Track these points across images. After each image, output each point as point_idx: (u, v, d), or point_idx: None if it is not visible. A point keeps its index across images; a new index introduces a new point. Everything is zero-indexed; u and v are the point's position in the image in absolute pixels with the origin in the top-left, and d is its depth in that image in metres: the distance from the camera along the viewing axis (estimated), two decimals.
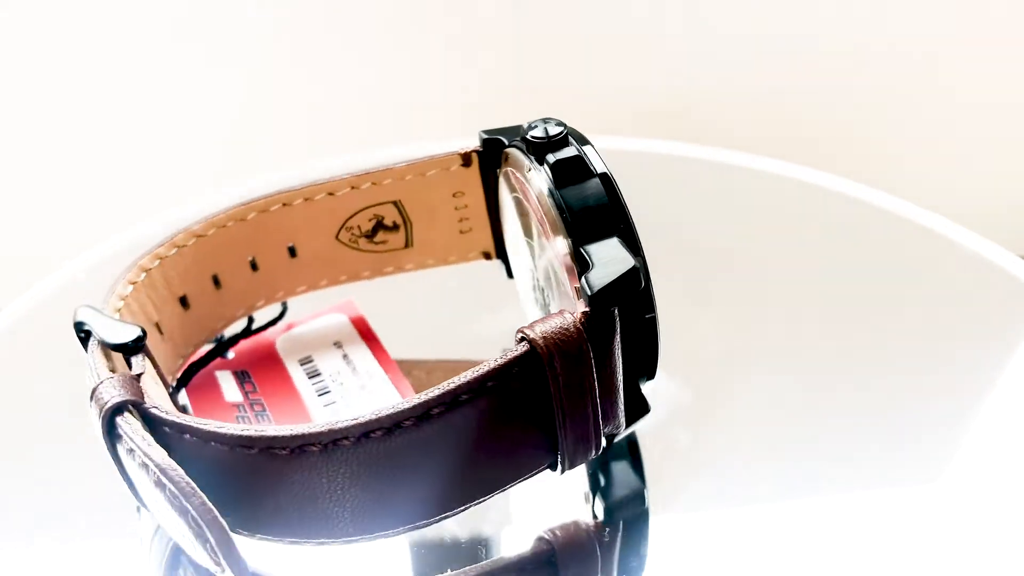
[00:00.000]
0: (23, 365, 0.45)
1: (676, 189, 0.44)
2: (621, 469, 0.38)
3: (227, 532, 0.28)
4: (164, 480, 0.28)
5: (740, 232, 0.50)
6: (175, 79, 0.74)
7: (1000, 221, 0.75)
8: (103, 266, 0.49)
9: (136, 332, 0.33)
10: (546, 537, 0.35)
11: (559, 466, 0.32)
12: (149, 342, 0.36)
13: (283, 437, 0.29)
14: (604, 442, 0.32)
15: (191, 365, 0.41)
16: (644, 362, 0.33)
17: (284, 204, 0.41)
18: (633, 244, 0.32)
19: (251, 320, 0.43)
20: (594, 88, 0.75)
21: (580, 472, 0.37)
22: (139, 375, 0.32)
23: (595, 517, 0.36)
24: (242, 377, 0.41)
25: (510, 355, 0.30)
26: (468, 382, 0.29)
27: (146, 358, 0.33)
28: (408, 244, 0.42)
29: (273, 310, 0.44)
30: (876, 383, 0.41)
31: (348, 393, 0.39)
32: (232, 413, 0.39)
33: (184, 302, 0.40)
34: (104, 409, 0.30)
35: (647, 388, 0.34)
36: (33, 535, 0.36)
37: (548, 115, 0.35)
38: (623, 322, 0.31)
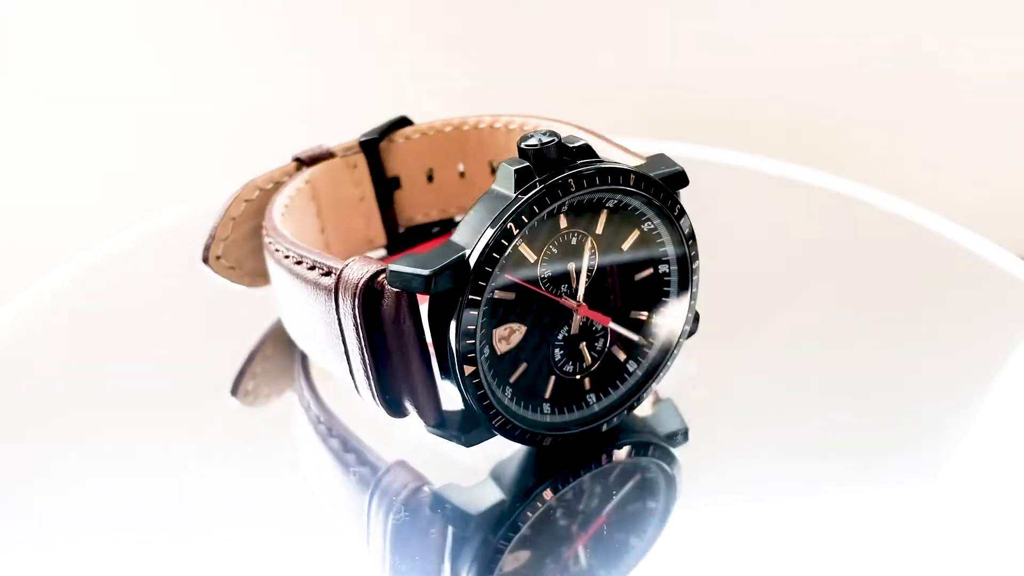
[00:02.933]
0: (23, 365, 0.46)
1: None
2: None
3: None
4: None
5: (737, 231, 0.49)
6: (174, 77, 0.74)
7: (999, 221, 0.73)
8: (100, 267, 0.52)
9: (364, 138, 0.46)
10: (392, 465, 0.39)
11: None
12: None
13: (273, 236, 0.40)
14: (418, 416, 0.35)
15: None
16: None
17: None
18: (462, 268, 0.32)
19: None
20: (595, 87, 0.74)
21: None
22: (321, 156, 0.45)
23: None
24: None
25: (328, 260, 0.35)
26: (310, 257, 0.36)
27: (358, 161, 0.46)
28: None
29: None
30: (872, 383, 0.41)
31: None
32: None
33: (493, 168, 0.49)
34: None
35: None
36: (41, 534, 0.37)
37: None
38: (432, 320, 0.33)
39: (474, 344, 0.33)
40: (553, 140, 0.33)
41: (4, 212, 0.78)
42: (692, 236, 0.36)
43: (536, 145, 0.33)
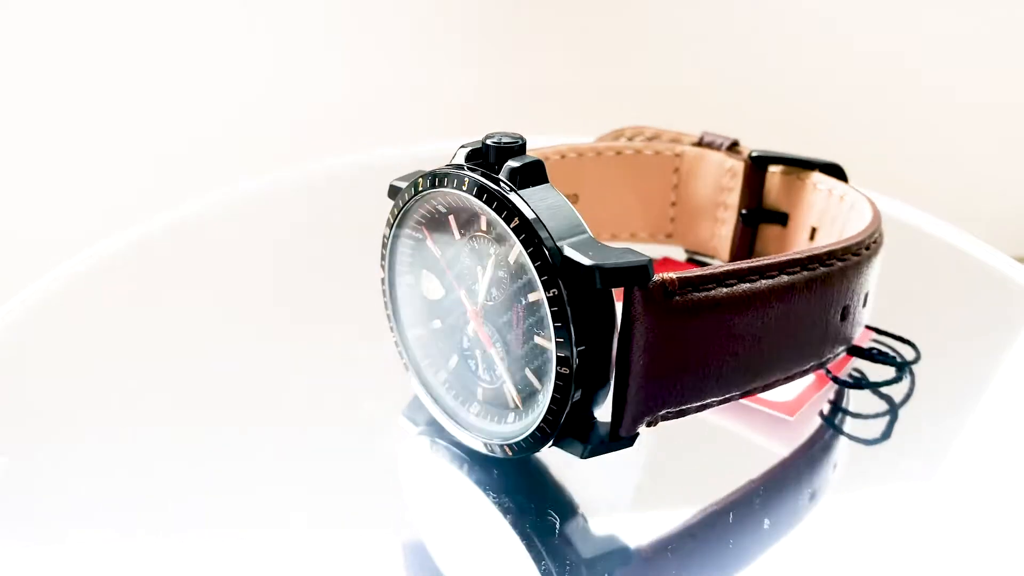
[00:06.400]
0: (21, 366, 0.44)
1: None
2: None
3: None
4: None
5: None
6: (176, 78, 0.76)
7: (997, 224, 0.78)
8: (98, 266, 0.49)
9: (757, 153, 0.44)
10: None
11: None
12: None
13: None
14: None
15: None
16: None
17: None
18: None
19: None
20: (598, 87, 0.79)
21: None
22: (713, 143, 0.45)
23: None
24: None
25: None
26: None
27: None
28: None
29: None
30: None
31: None
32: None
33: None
34: None
35: None
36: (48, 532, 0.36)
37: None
38: None
39: (385, 254, 0.37)
40: (507, 144, 0.33)
41: (16, 209, 0.82)
42: (579, 351, 0.31)
43: (496, 143, 0.33)
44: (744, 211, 0.45)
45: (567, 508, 0.35)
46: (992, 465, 0.38)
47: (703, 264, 0.48)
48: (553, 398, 0.32)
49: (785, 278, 0.34)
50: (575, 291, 0.31)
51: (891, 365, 0.40)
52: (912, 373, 0.41)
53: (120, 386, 0.41)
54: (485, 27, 0.86)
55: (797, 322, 0.35)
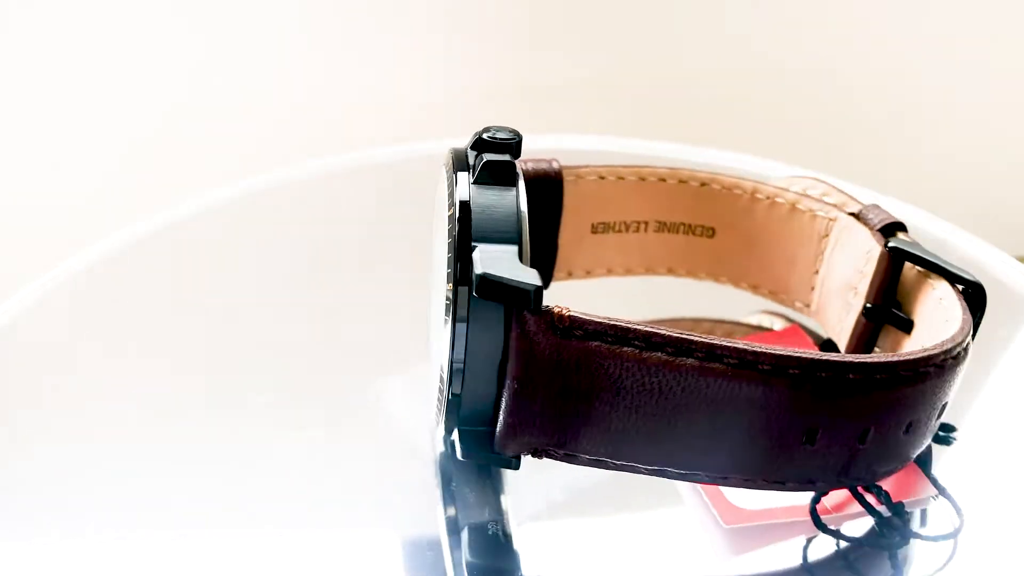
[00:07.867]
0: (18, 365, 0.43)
1: None
2: None
3: None
4: None
5: None
6: (176, 77, 0.74)
7: (997, 224, 0.74)
8: (98, 266, 0.49)
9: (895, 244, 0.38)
10: None
11: None
12: None
13: None
14: None
15: None
16: None
17: None
18: None
19: None
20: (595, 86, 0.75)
21: None
22: (866, 218, 0.40)
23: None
24: None
25: None
26: None
27: None
28: None
29: None
30: None
31: None
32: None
33: None
34: None
35: None
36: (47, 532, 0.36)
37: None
38: None
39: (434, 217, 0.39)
40: (499, 140, 0.33)
41: (15, 208, 0.79)
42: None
43: (491, 136, 0.34)
44: (868, 305, 0.39)
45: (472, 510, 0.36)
46: (990, 469, 0.38)
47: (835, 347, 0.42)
48: (439, 390, 0.33)
49: (717, 366, 0.30)
50: (467, 294, 0.31)
51: (889, 527, 0.33)
52: (956, 544, 0.34)
53: (119, 385, 0.42)
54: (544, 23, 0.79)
55: (732, 422, 0.31)
